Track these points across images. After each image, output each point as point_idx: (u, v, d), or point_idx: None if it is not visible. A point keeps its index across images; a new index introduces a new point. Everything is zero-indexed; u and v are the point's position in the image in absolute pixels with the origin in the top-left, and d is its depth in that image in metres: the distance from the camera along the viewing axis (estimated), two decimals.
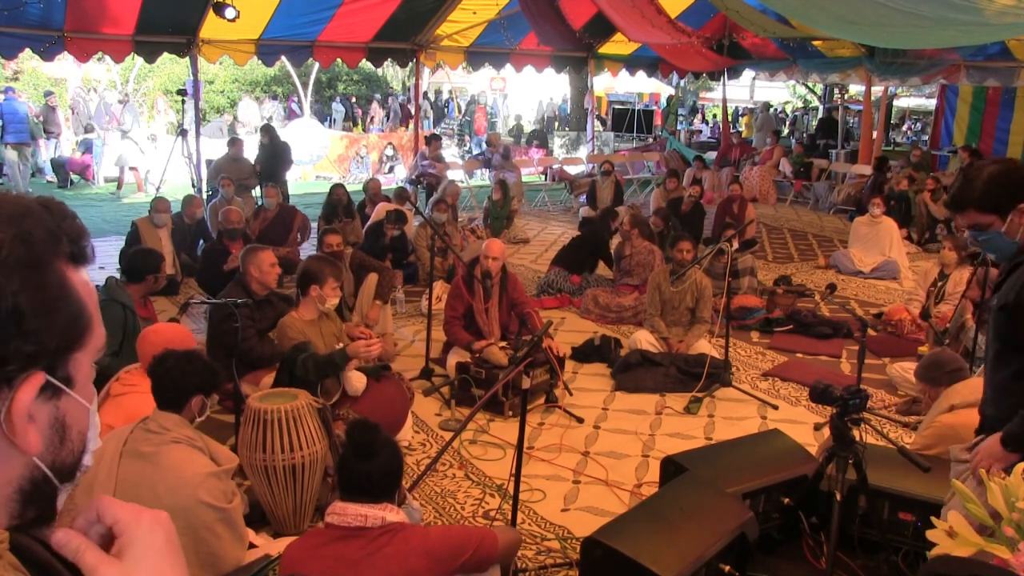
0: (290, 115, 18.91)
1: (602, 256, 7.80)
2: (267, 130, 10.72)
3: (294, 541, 2.48)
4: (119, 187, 13.08)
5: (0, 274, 0.65)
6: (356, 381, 4.09)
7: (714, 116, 20.71)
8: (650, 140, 17.64)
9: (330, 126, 18.89)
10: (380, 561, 2.22)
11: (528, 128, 21.40)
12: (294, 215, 8.50)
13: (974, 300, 5.09)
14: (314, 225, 9.19)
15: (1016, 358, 2.26)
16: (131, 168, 13.14)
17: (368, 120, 20.45)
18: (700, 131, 21.44)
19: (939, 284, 6.42)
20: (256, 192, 9.89)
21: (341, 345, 4.35)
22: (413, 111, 13.97)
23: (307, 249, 8.75)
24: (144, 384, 3.39)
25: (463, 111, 22.47)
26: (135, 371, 3.50)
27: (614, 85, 20.59)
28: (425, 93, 21.71)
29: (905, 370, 5.13)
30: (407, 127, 18.14)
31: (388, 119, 19.87)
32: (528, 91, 23.02)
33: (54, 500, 0.74)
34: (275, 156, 10.22)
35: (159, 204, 7.47)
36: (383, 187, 10.21)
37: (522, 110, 23.46)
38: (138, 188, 13.15)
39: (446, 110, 22.73)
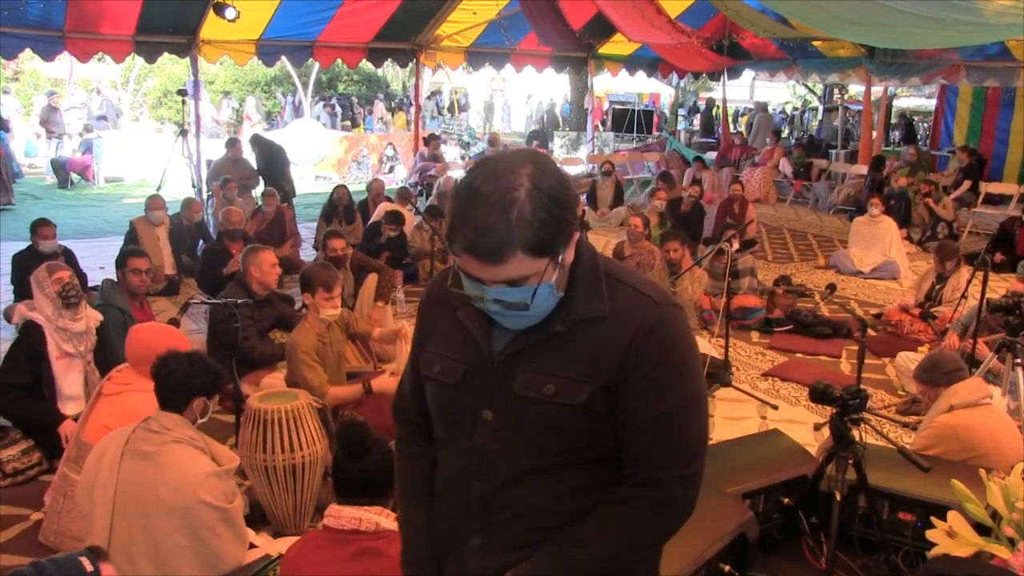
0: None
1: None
2: (255, 141, 10.69)
3: (295, 543, 2.48)
4: None
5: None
6: None
7: (715, 115, 20.69)
8: (650, 140, 17.64)
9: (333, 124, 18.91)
10: (375, 567, 2.20)
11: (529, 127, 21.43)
12: (289, 219, 8.54)
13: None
14: (314, 225, 9.20)
15: (582, 471, 1.49)
16: None
17: (374, 119, 20.47)
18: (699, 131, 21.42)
19: (937, 288, 6.42)
20: (255, 192, 9.89)
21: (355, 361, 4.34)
22: (410, 111, 13.97)
23: (307, 250, 8.76)
24: (136, 383, 3.40)
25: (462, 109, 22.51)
26: (125, 370, 3.49)
27: (614, 85, 20.58)
28: (432, 92, 21.74)
29: (911, 360, 5.09)
30: (361, 127, 18.10)
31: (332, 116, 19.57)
32: (541, 90, 22.98)
33: None
34: (271, 161, 10.23)
35: (153, 202, 7.47)
36: (384, 187, 10.21)
37: (533, 108, 23.43)
38: None
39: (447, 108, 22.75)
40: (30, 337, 4.06)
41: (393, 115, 20.94)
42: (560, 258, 1.35)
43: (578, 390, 1.41)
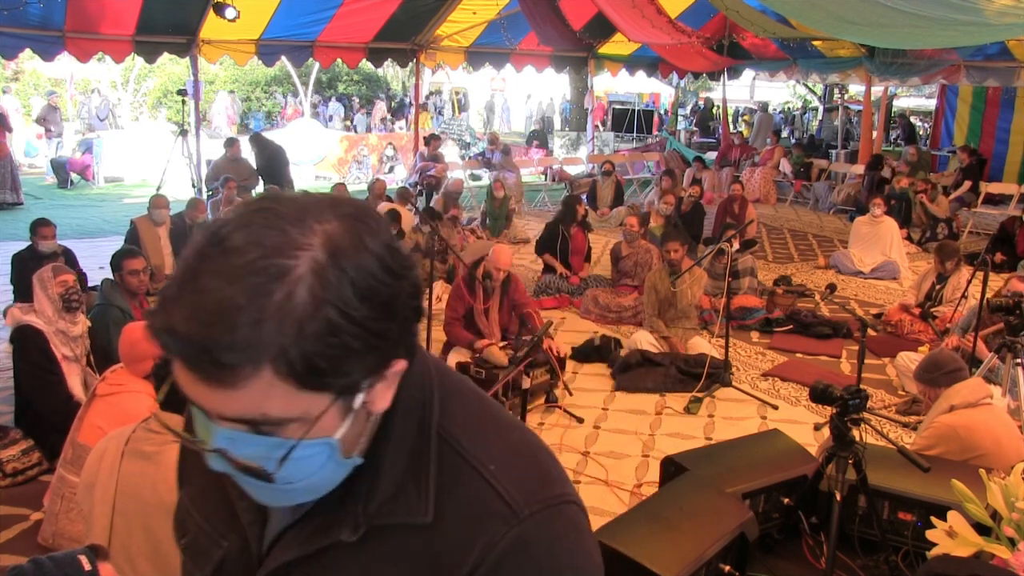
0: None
1: (574, 219, 7.72)
2: (255, 140, 10.71)
3: None
4: None
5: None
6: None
7: (714, 115, 20.73)
8: (650, 140, 17.65)
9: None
10: None
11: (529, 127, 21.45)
12: None
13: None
14: None
15: None
16: None
17: (374, 118, 20.49)
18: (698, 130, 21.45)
19: (937, 288, 6.43)
20: (254, 192, 9.91)
21: None
22: (413, 111, 13.97)
23: None
24: (130, 384, 3.39)
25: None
26: (119, 371, 3.49)
27: (614, 85, 20.58)
28: (430, 92, 21.75)
29: (911, 360, 5.09)
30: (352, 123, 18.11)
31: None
32: (541, 90, 22.98)
33: None
34: (270, 161, 10.24)
35: (157, 200, 7.46)
36: (386, 188, 10.22)
37: (533, 108, 23.43)
38: None
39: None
40: (37, 342, 4.06)
41: (393, 115, 20.95)
42: (359, 400, 0.76)
43: None
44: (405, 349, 0.79)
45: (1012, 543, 2.21)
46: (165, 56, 10.30)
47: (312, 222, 0.73)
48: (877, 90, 13.31)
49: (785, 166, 13.77)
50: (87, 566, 1.70)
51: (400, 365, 0.79)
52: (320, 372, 0.71)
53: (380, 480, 0.82)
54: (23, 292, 5.87)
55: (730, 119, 18.19)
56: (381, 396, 0.79)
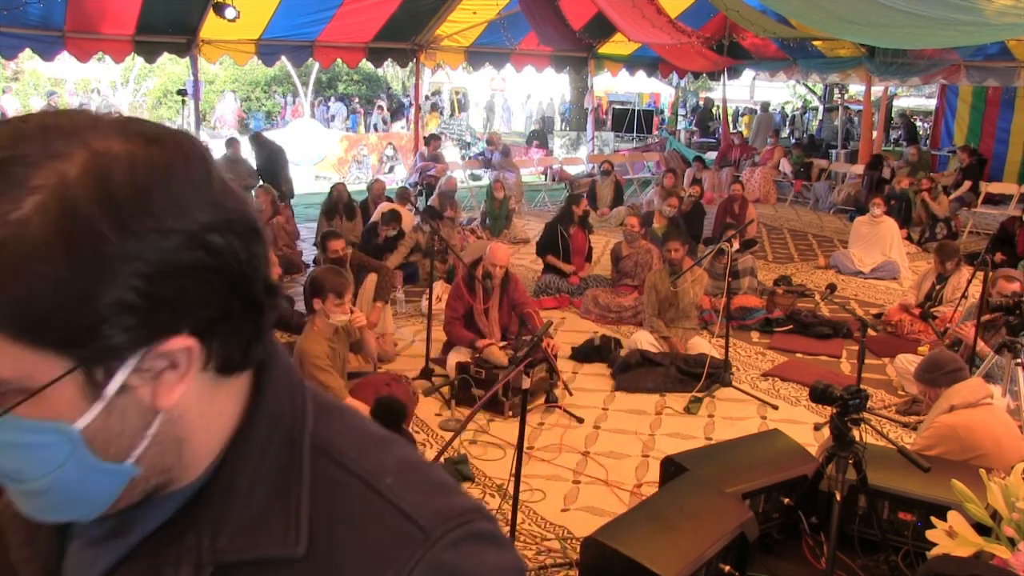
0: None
1: (574, 220, 7.73)
2: (255, 139, 10.73)
3: None
4: None
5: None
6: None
7: (714, 115, 20.74)
8: (650, 140, 17.65)
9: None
10: None
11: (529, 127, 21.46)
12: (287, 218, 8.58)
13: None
14: (314, 224, 9.20)
15: None
16: None
17: (377, 120, 20.51)
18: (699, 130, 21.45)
19: (937, 288, 6.43)
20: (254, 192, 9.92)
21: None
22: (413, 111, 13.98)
23: (307, 249, 8.76)
24: None
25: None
26: None
27: (614, 85, 20.59)
28: (430, 92, 21.78)
29: (910, 362, 5.08)
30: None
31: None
32: (541, 90, 22.99)
33: None
34: (270, 161, 10.25)
35: None
36: (385, 188, 10.22)
37: (533, 108, 23.44)
38: None
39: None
40: None
41: (392, 116, 20.98)
42: (118, 379, 0.57)
43: None
44: (195, 324, 0.59)
45: (1012, 543, 2.21)
46: (165, 56, 10.30)
47: (88, 137, 0.56)
48: (877, 90, 13.32)
49: (785, 166, 13.77)
50: None
51: (182, 342, 0.58)
52: (35, 318, 0.53)
53: (232, 505, 0.64)
54: None
55: (730, 119, 18.19)
56: (166, 388, 0.60)
